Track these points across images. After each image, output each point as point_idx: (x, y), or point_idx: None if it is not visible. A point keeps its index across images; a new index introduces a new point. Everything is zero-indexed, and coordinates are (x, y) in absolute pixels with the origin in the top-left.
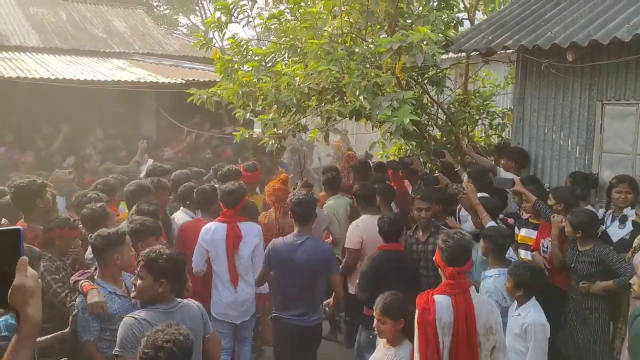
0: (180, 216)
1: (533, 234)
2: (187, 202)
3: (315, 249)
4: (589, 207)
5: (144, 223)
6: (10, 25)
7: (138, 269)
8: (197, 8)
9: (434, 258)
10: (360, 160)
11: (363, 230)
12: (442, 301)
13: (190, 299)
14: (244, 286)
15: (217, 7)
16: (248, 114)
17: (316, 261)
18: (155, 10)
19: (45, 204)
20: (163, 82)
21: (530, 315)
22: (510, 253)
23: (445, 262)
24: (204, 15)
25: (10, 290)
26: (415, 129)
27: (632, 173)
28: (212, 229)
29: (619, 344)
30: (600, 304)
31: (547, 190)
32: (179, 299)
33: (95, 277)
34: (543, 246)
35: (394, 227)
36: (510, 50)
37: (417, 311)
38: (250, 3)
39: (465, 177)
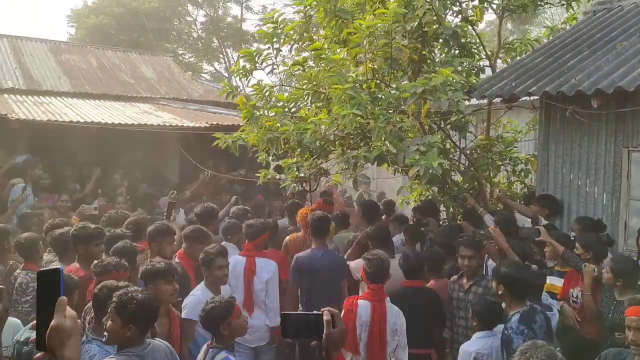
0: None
1: (559, 281)
2: (229, 237)
3: (333, 258)
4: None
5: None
6: (43, 71)
7: (109, 309)
8: (221, 56)
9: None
10: (370, 201)
11: None
12: (363, 305)
13: (158, 339)
14: (258, 313)
15: (241, 56)
16: (270, 157)
17: (336, 268)
18: (180, 58)
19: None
20: (187, 126)
21: None
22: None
23: (369, 279)
24: (226, 62)
25: (47, 332)
26: (439, 174)
27: None
28: (234, 262)
29: None
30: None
31: (572, 239)
32: (148, 340)
33: (89, 333)
34: (572, 296)
35: (415, 264)
36: (534, 97)
37: (343, 310)
38: (274, 51)
39: (491, 223)
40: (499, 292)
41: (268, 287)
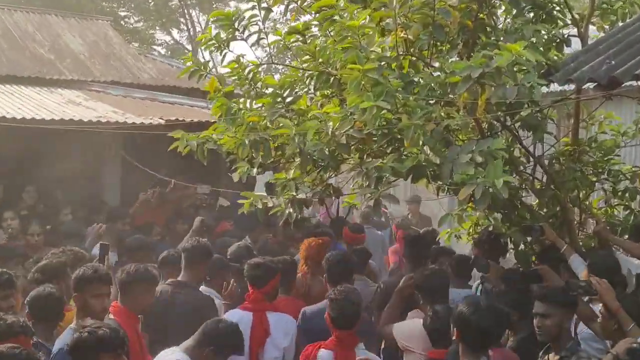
0: None
1: None
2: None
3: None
4: None
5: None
6: None
7: None
8: (182, 20)
9: None
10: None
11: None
12: (324, 356)
13: None
14: None
15: (213, 20)
16: (255, 170)
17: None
18: (123, 23)
19: None
20: (134, 123)
21: None
22: None
23: (333, 324)
24: (191, 30)
25: None
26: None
27: None
28: (236, 318)
29: None
30: None
31: None
32: None
33: None
34: None
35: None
36: None
37: None
38: (262, 12)
39: (582, 267)
40: None
41: (286, 356)
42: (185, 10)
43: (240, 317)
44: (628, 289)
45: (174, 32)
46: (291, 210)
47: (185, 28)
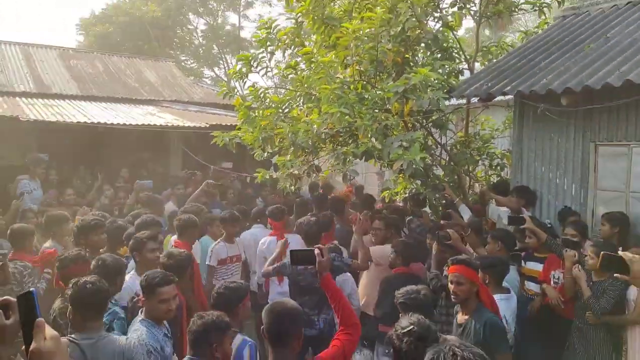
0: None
1: (539, 266)
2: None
3: None
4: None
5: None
6: (52, 75)
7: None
8: (220, 61)
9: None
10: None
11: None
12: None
13: (121, 337)
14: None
15: (239, 59)
16: (265, 154)
17: None
18: (183, 64)
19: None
20: (188, 126)
21: None
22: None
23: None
24: (226, 68)
25: (29, 356)
26: (422, 168)
27: (626, 210)
28: (267, 241)
29: None
30: (604, 334)
31: (549, 226)
32: (105, 333)
33: (142, 318)
34: (554, 277)
35: (409, 252)
36: (509, 96)
37: None
38: (269, 55)
39: (467, 213)
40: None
41: None
42: (222, 55)
43: (270, 239)
44: (497, 226)
45: (215, 69)
46: (288, 182)
47: (223, 67)
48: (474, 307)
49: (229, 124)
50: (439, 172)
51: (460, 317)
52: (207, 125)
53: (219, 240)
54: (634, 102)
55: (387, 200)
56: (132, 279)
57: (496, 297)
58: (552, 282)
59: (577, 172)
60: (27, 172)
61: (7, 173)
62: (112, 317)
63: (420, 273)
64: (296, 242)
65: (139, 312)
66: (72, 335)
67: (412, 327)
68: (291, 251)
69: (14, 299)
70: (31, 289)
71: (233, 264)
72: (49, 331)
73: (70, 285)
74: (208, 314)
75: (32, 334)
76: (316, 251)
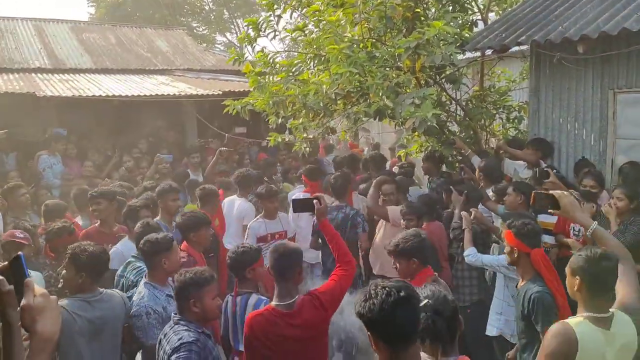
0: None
1: (552, 219)
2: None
3: None
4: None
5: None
6: (66, 50)
7: (65, 261)
8: (232, 27)
9: None
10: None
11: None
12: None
13: (115, 290)
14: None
15: (246, 24)
16: (280, 120)
17: None
18: (195, 31)
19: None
20: (202, 94)
21: None
22: None
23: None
24: (237, 32)
25: (20, 312)
26: (436, 125)
27: None
28: (301, 196)
29: None
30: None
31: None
32: (102, 289)
33: (145, 281)
34: (574, 230)
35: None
36: (524, 46)
37: None
38: (276, 18)
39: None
40: None
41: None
42: (234, 20)
43: (305, 194)
44: (514, 180)
45: (227, 35)
46: (304, 145)
47: (235, 32)
48: (530, 276)
49: (242, 89)
50: (455, 128)
51: (520, 283)
52: (221, 93)
53: (257, 217)
54: None
55: (402, 160)
56: (123, 245)
57: None
58: (572, 235)
59: (596, 121)
60: (46, 148)
61: (28, 149)
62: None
63: (437, 231)
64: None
65: (144, 276)
66: (78, 295)
67: (427, 300)
68: (293, 200)
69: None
70: (19, 253)
71: (276, 241)
72: (38, 289)
73: (73, 251)
74: (189, 271)
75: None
76: (315, 200)
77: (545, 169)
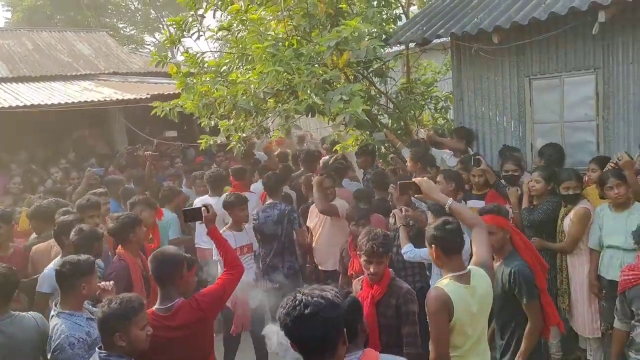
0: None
1: (480, 203)
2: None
3: None
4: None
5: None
6: None
7: None
8: (161, 26)
9: None
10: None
11: None
12: None
13: (32, 313)
14: None
15: (169, 24)
16: (212, 122)
17: None
18: (122, 32)
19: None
20: (129, 99)
21: None
22: None
23: None
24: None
25: None
26: (367, 119)
27: (561, 140)
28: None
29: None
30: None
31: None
32: (14, 312)
33: (58, 311)
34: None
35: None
36: (444, 39)
37: None
38: (199, 18)
39: (407, 153)
40: None
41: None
42: (161, 19)
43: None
44: (442, 168)
45: (157, 34)
46: (239, 145)
47: (165, 31)
48: (508, 252)
49: (173, 92)
50: (386, 120)
51: (495, 264)
52: (149, 96)
53: (224, 228)
54: (562, 33)
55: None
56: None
57: None
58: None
59: (515, 108)
60: None
61: None
62: None
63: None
64: (255, 200)
65: (54, 305)
66: None
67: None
68: (183, 210)
69: None
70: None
71: (244, 255)
72: None
73: None
74: (115, 300)
75: None
76: (202, 208)
77: (476, 157)
